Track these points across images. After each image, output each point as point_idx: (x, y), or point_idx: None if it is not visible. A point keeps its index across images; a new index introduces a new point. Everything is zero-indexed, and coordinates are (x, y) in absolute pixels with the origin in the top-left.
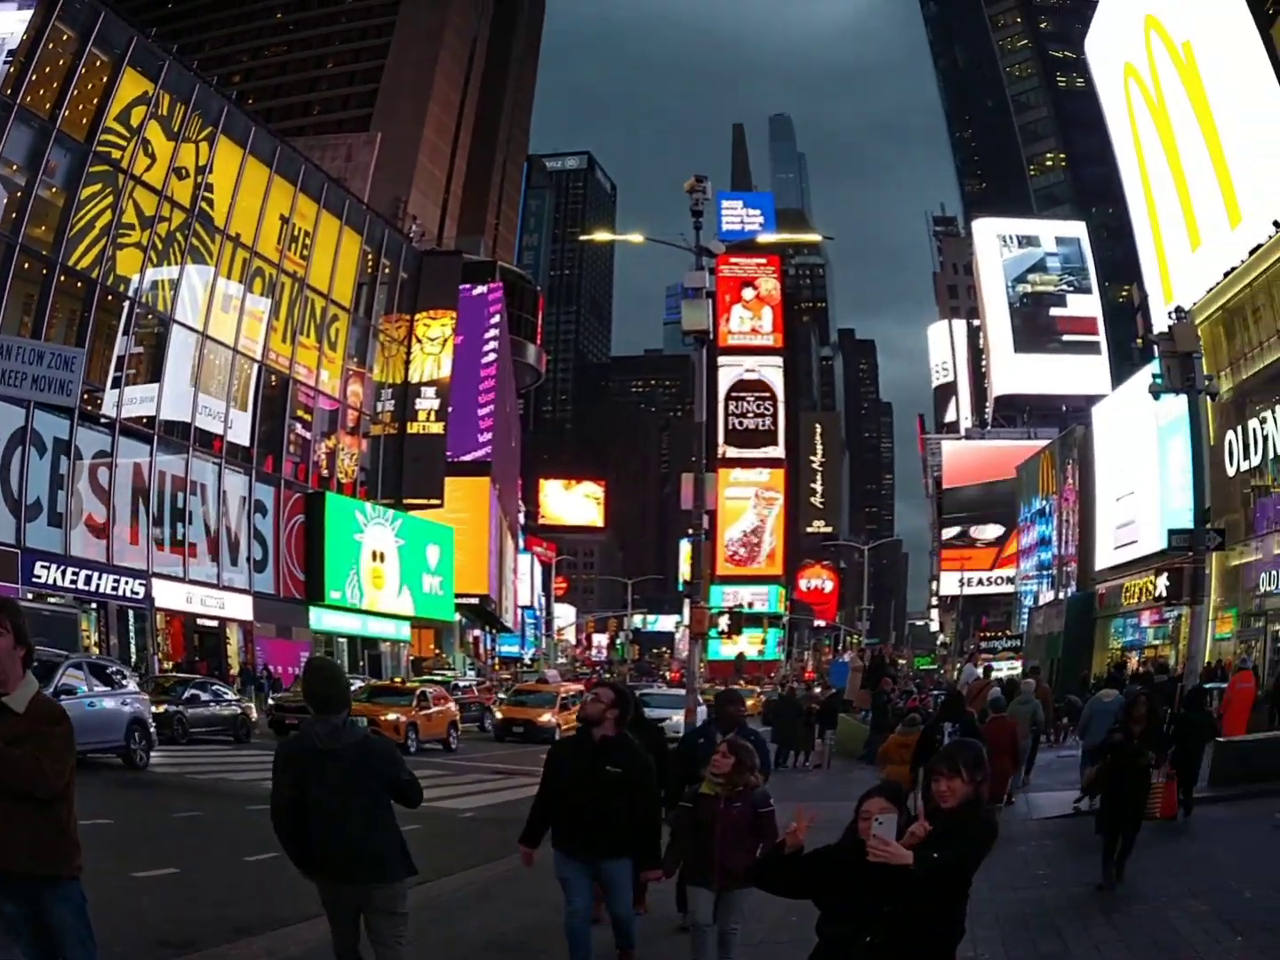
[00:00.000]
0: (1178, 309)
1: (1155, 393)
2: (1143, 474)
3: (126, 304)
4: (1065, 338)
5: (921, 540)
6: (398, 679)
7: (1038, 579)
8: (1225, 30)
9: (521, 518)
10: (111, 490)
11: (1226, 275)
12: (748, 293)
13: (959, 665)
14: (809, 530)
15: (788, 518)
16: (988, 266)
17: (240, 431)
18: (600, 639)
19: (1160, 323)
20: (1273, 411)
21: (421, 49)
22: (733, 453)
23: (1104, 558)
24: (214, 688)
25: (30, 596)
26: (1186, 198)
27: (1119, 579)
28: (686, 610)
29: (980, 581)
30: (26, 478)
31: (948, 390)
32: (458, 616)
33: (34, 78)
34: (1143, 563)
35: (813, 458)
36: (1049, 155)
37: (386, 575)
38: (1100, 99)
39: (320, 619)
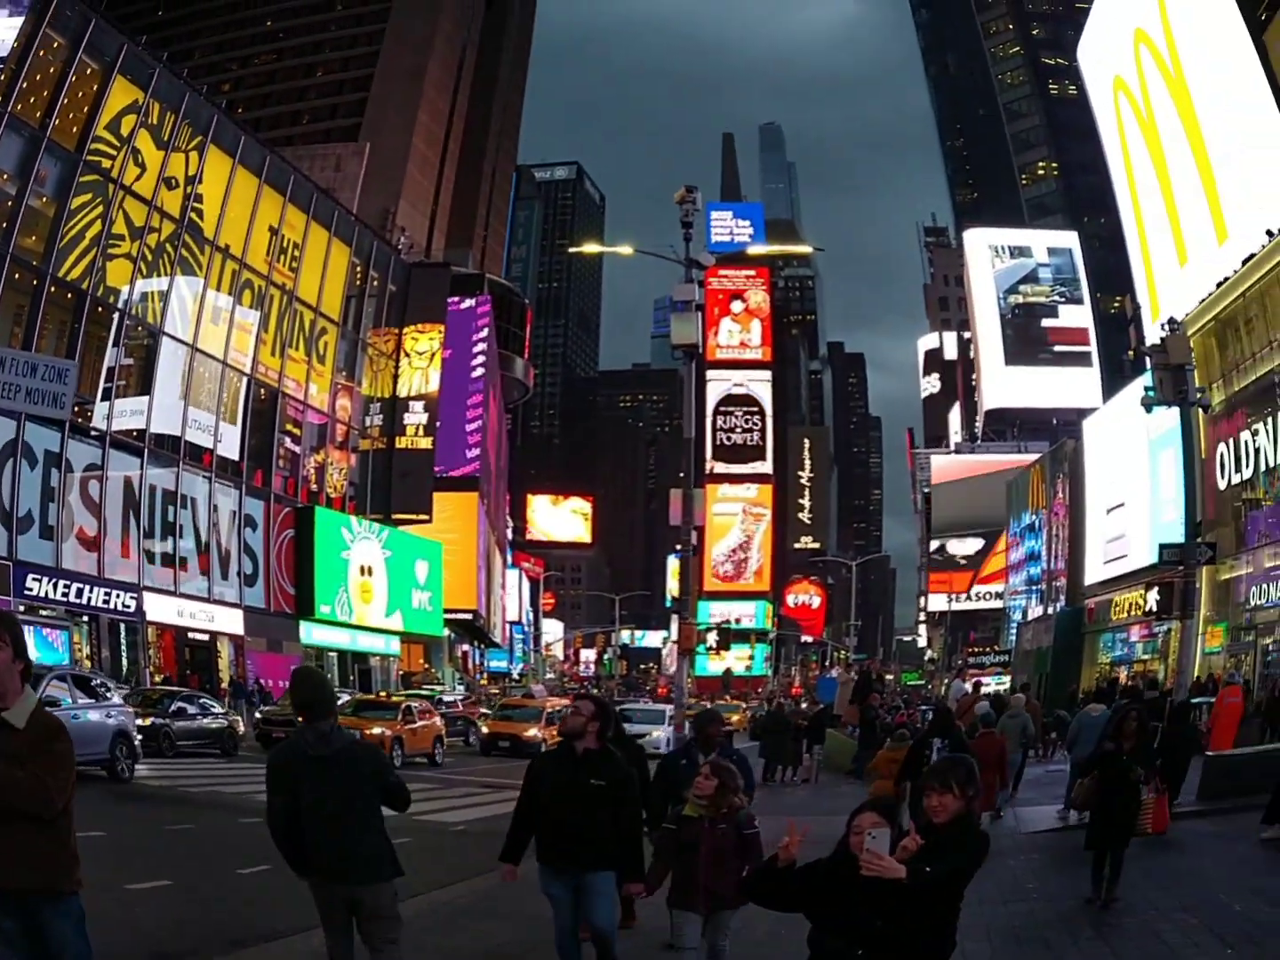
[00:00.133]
0: (1170, 320)
1: (1147, 405)
2: (1133, 488)
3: (116, 316)
4: (1057, 348)
5: (910, 556)
6: (383, 693)
7: (1026, 594)
8: (1216, 41)
9: (509, 533)
10: (103, 503)
11: (1219, 285)
12: (737, 306)
13: (947, 681)
14: (797, 546)
15: (775, 533)
16: (979, 278)
17: (230, 445)
18: (588, 654)
19: (1152, 335)
20: (1265, 423)
21: (411, 58)
22: (720, 468)
23: (1094, 572)
24: (201, 701)
25: (22, 609)
26: (1174, 213)
27: (1108, 594)
28: (674, 626)
29: (969, 597)
30: (18, 490)
31: (937, 402)
32: (446, 631)
33: (24, 85)
34: (1132, 577)
35: (801, 473)
36: (1041, 164)
37: (375, 590)
38: (1093, 107)
39: (310, 633)
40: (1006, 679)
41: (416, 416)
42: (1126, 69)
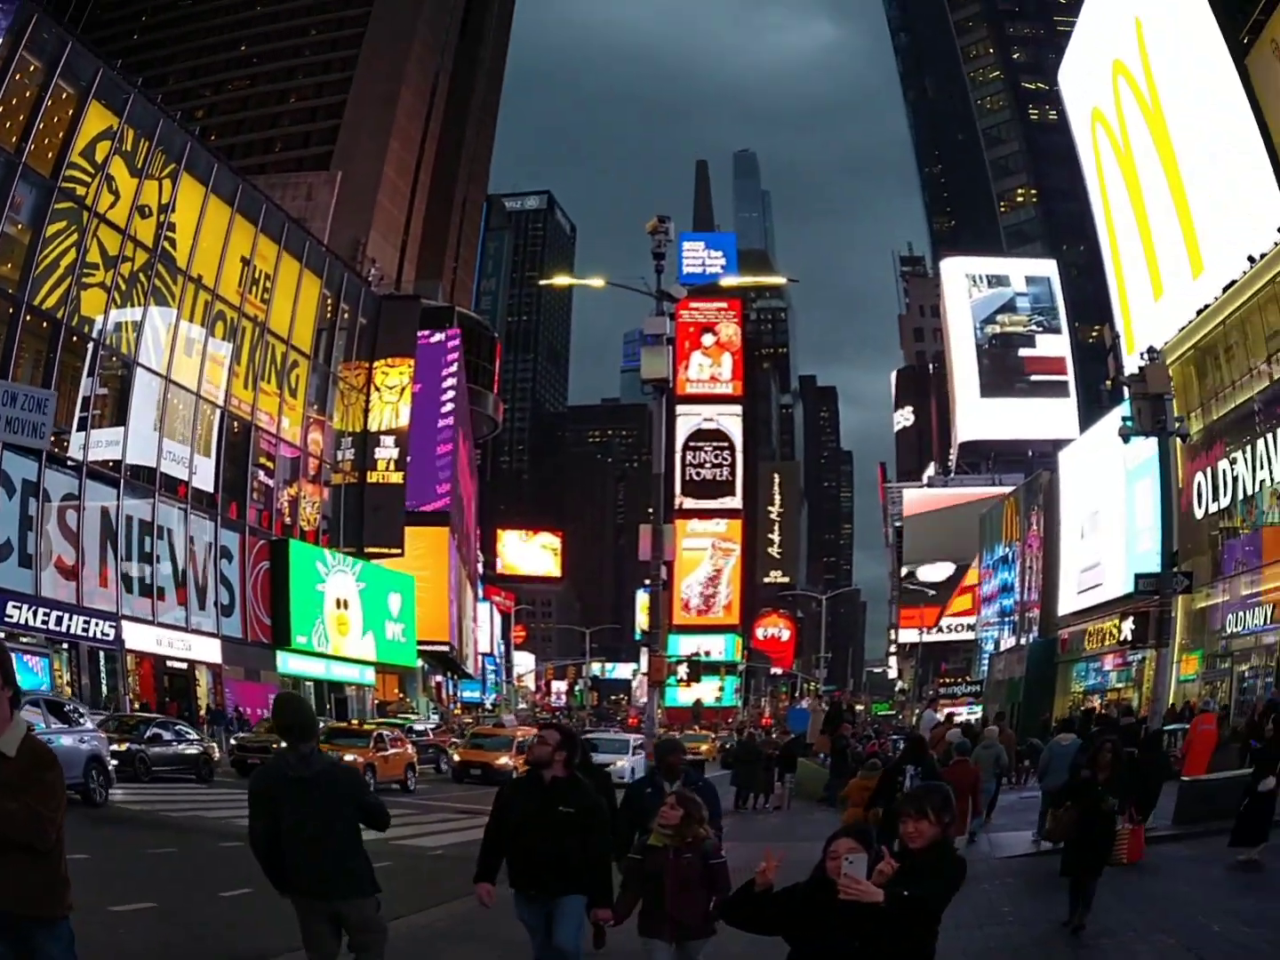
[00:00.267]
0: (1150, 349)
1: (1125, 436)
2: (1109, 518)
3: (91, 346)
4: (1034, 378)
5: (880, 589)
6: (355, 721)
7: (998, 625)
8: (1196, 68)
9: (480, 567)
10: (80, 533)
11: (1199, 313)
12: (707, 339)
13: (918, 711)
14: (766, 580)
15: (745, 568)
16: (955, 308)
17: (204, 477)
18: (559, 685)
19: (1130, 365)
20: (1243, 452)
21: (384, 84)
22: (690, 503)
23: (1067, 603)
24: (177, 727)
25: (2, 635)
26: (1150, 247)
27: (1082, 624)
28: (644, 658)
29: (939, 629)
30: None
31: (909, 435)
32: (420, 662)
33: (0, 110)
34: (1107, 607)
35: (771, 508)
36: (1020, 191)
37: (351, 622)
38: (1073, 132)
39: (286, 663)
40: (979, 709)
41: (387, 451)
42: (1105, 100)
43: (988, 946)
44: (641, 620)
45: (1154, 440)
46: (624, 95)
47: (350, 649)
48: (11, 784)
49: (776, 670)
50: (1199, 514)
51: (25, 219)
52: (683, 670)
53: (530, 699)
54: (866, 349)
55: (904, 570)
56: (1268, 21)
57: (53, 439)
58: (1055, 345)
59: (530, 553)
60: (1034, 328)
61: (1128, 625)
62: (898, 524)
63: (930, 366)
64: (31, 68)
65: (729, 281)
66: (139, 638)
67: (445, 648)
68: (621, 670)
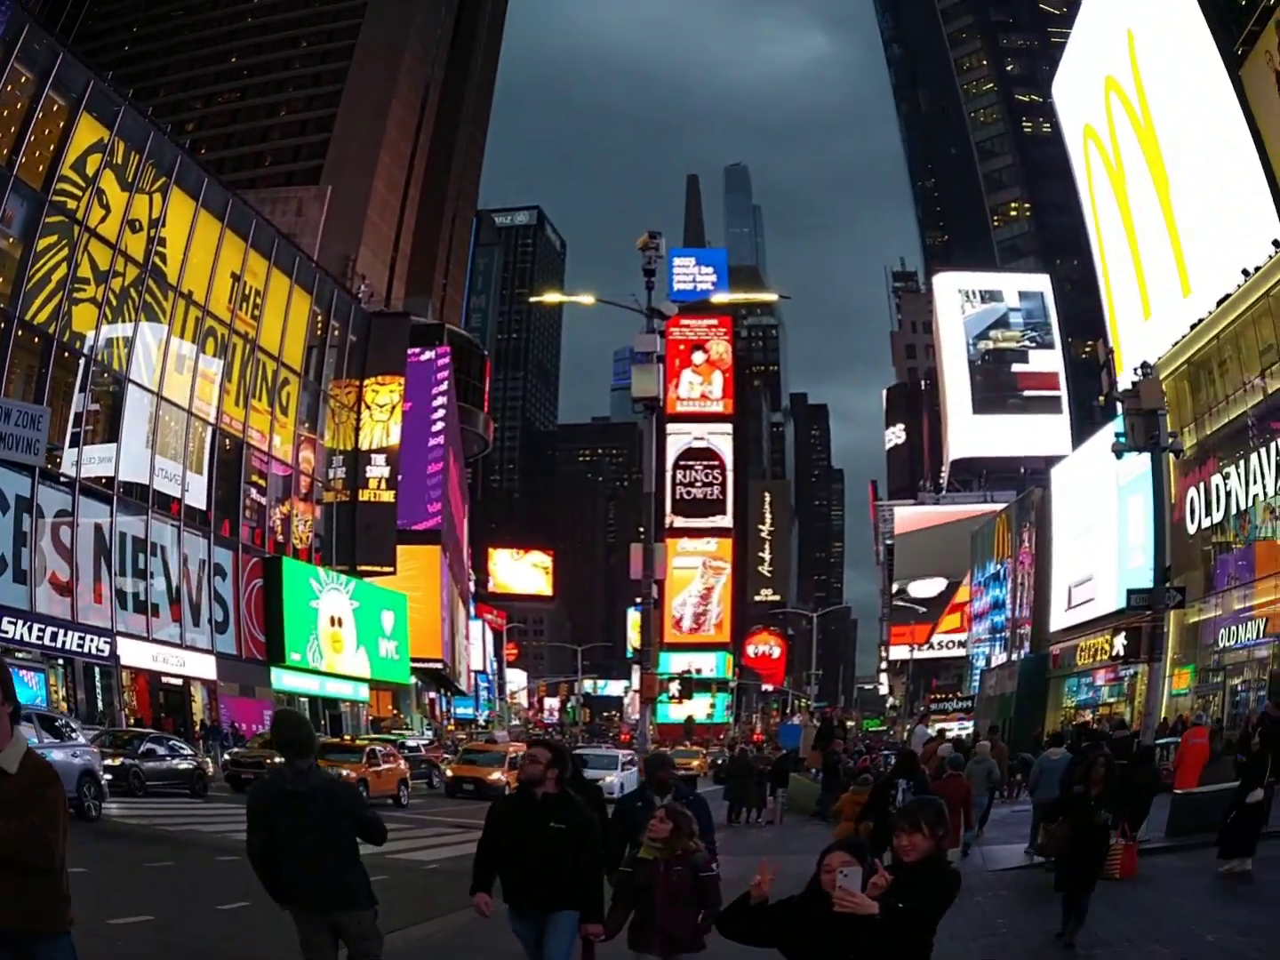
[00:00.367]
0: (1143, 364)
1: (1118, 452)
2: (1102, 534)
3: (82, 362)
4: (1026, 393)
5: (871, 607)
6: (348, 737)
7: (990, 641)
8: (1189, 81)
9: (472, 586)
10: (74, 549)
11: (1193, 328)
12: (698, 356)
13: (909, 726)
14: (757, 598)
15: (735, 586)
16: (948, 323)
17: (197, 495)
18: (552, 702)
19: (1122, 381)
20: (1236, 466)
21: (374, 96)
22: (680, 522)
23: (1059, 619)
24: (170, 743)
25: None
26: (1140, 267)
27: (1073, 640)
28: (635, 675)
29: (930, 645)
30: None
31: (901, 453)
32: (413, 679)
33: None
34: (1099, 623)
35: (761, 527)
36: (1013, 204)
37: (345, 638)
38: (1067, 146)
39: (280, 679)
40: (970, 724)
41: (379, 469)
42: (1097, 117)
43: (982, 958)
44: (633, 638)
45: (1147, 456)
46: (614, 108)
47: (344, 666)
48: (13, 801)
49: (767, 687)
50: (1191, 529)
51: (16, 232)
52: (674, 687)
53: (523, 715)
54: (858, 366)
55: (895, 587)
56: (1262, 32)
57: (45, 455)
58: (1048, 360)
59: (522, 571)
60: (1027, 343)
61: (1120, 640)
62: (889, 542)
63: (922, 383)
64: (23, 79)
65: (720, 298)
66: (134, 654)
67: (438, 665)
68: (613, 687)
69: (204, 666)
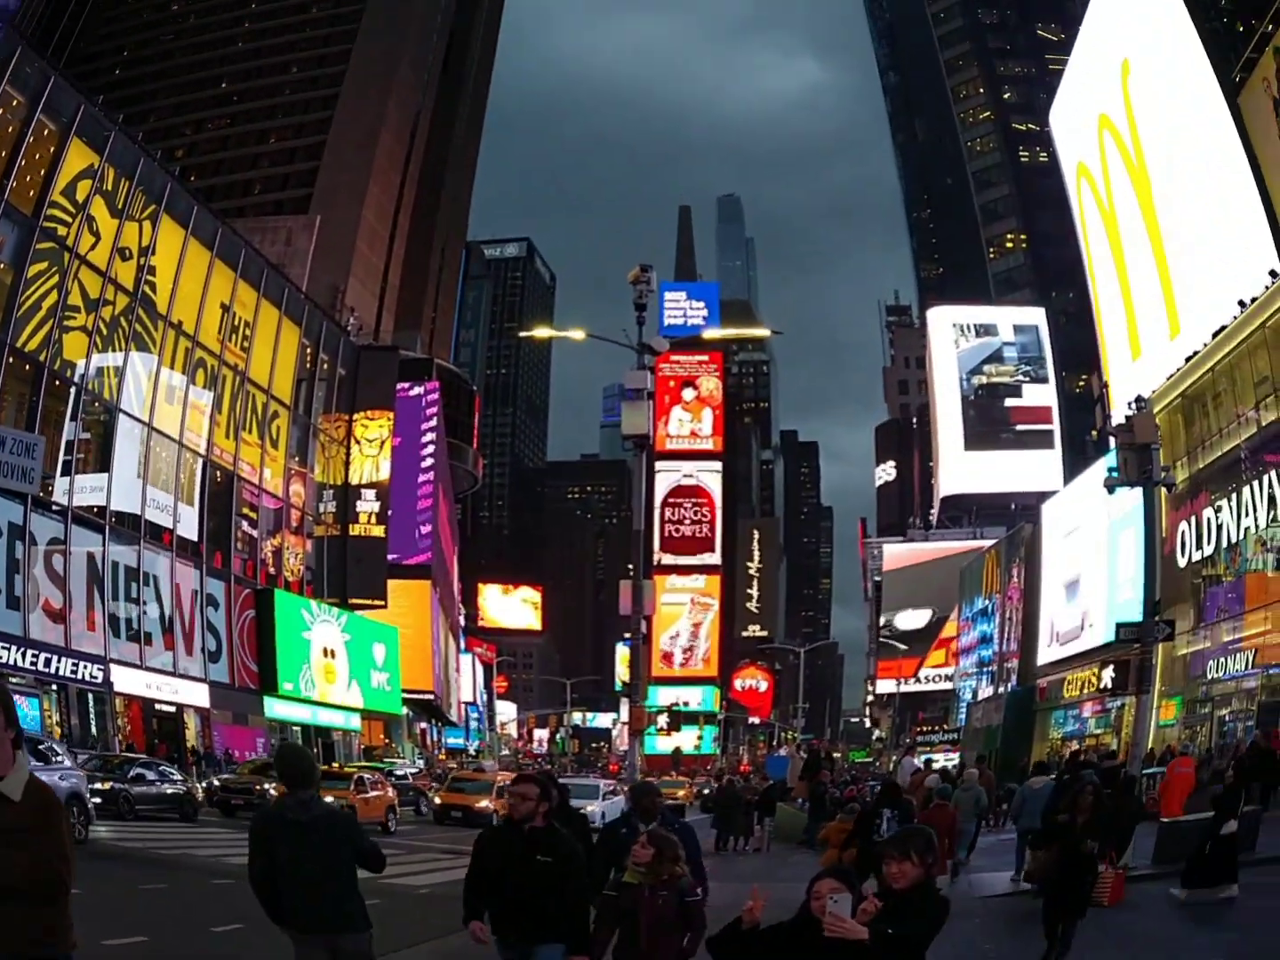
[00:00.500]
0: (1138, 398)
1: (1110, 487)
2: (1091, 568)
3: (73, 390)
4: (1019, 428)
5: (858, 642)
6: (336, 764)
7: (977, 675)
8: (1184, 112)
9: (462, 620)
10: (67, 577)
11: (1188, 360)
12: (688, 393)
13: (895, 758)
14: (745, 634)
15: (723, 622)
16: (941, 358)
17: (188, 526)
18: (541, 734)
19: (1116, 415)
20: (1229, 499)
21: (364, 124)
22: (669, 559)
23: (1046, 653)
24: (160, 768)
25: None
26: (1131, 306)
27: (1061, 673)
28: (624, 708)
29: (917, 679)
30: None
31: (891, 490)
32: (405, 710)
33: None
34: (1086, 656)
35: (750, 564)
36: (1009, 236)
37: (337, 669)
38: (1063, 176)
39: (273, 708)
40: (955, 756)
41: (369, 504)
42: (1090, 156)
43: None
44: (621, 672)
45: (1138, 490)
46: (606, 138)
47: (336, 696)
48: (18, 829)
49: (754, 720)
50: (1181, 562)
51: (7, 258)
52: (663, 720)
53: (513, 746)
54: (849, 403)
55: (882, 619)
56: (1260, 59)
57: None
58: (1042, 395)
59: (511, 606)
60: (1021, 378)
61: (1108, 673)
62: (877, 579)
63: (914, 420)
64: (14, 102)
65: (711, 334)
66: (127, 681)
67: (429, 696)
68: (602, 719)
69: (197, 694)
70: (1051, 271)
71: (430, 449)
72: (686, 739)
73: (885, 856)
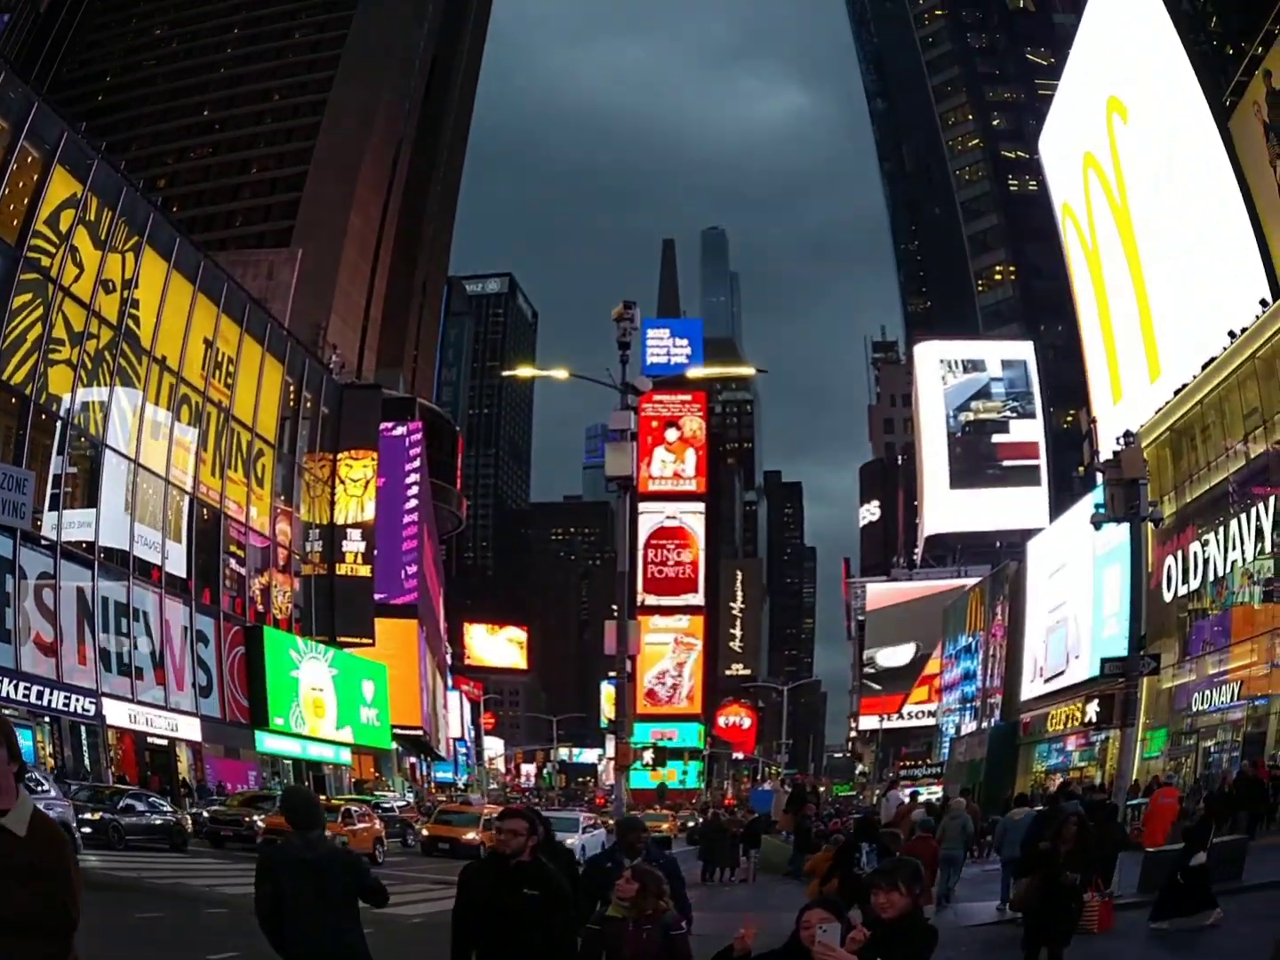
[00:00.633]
0: (1126, 433)
1: (1097, 523)
2: (1076, 604)
3: (59, 424)
4: (1005, 463)
5: (841, 679)
6: (323, 797)
7: (960, 711)
8: (1174, 141)
9: (449, 658)
10: (57, 611)
11: (1176, 393)
12: (671, 434)
13: (878, 792)
14: (728, 673)
15: (707, 661)
16: (927, 395)
17: (177, 563)
18: (528, 768)
19: (1103, 449)
20: (1215, 533)
21: (346, 154)
22: (652, 600)
23: (1030, 689)
24: (149, 799)
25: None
26: (1113, 349)
27: (1044, 708)
28: (610, 744)
29: (901, 715)
30: None
31: (875, 530)
32: (395, 745)
33: None
34: (1070, 691)
35: (733, 604)
36: (998, 267)
37: (327, 705)
38: (1052, 204)
39: (264, 742)
40: (939, 789)
41: (355, 544)
42: (1075, 196)
43: None
44: (606, 709)
45: (1125, 526)
46: (587, 169)
47: (326, 730)
48: (25, 865)
49: (738, 755)
50: (1167, 596)
51: None
52: (648, 756)
53: (501, 780)
54: (834, 443)
55: (865, 655)
56: (1250, 83)
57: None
58: (1029, 430)
59: (497, 645)
60: (1008, 413)
61: (1092, 708)
62: (860, 618)
63: (899, 458)
64: None
65: (695, 374)
66: (119, 714)
67: (419, 732)
68: (588, 755)
69: (189, 728)
70: (1040, 304)
71: (414, 490)
72: (671, 773)
73: (874, 887)
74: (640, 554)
